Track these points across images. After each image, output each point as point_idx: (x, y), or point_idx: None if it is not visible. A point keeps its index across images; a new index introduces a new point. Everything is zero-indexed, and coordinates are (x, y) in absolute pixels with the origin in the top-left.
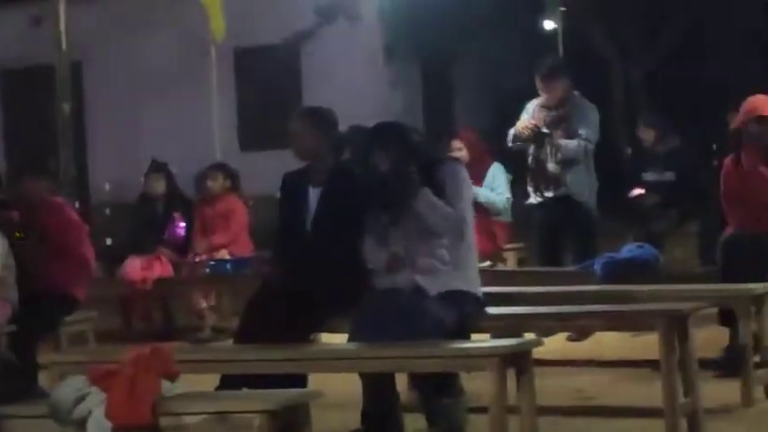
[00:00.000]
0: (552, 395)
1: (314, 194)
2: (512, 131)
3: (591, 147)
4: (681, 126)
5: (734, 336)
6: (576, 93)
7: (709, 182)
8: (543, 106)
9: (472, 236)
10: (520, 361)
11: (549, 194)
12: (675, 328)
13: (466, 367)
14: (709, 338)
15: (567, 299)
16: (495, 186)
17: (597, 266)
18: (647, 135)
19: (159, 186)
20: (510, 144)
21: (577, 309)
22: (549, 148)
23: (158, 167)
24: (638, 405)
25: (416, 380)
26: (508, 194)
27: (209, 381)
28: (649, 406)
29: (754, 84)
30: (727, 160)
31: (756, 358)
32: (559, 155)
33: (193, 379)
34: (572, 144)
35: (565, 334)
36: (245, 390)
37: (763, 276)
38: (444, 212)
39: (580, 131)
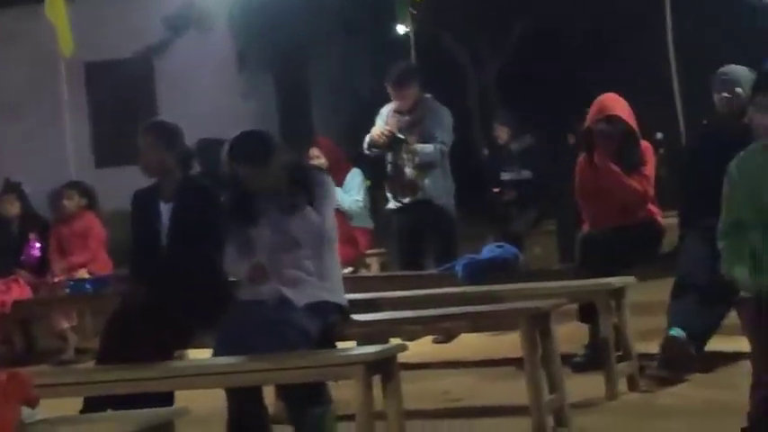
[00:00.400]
0: (420, 399)
1: (165, 210)
2: (368, 138)
3: (446, 149)
4: (534, 124)
5: (594, 331)
6: (428, 96)
7: (564, 179)
8: (396, 111)
9: (336, 244)
10: (385, 367)
11: (407, 200)
12: (537, 325)
13: (332, 376)
14: (569, 334)
15: (431, 302)
16: (348, 190)
17: (459, 268)
18: (501, 133)
19: (13, 208)
20: (366, 151)
21: (442, 311)
22: (405, 154)
23: (11, 188)
24: (504, 404)
25: (284, 391)
26: (359, 198)
27: (73, 404)
28: (516, 404)
29: (604, 82)
30: (581, 158)
31: (618, 351)
32: (417, 159)
33: (55, 403)
34: (428, 148)
35: (431, 336)
36: (109, 411)
37: (620, 270)
38: (311, 222)
39: (436, 135)
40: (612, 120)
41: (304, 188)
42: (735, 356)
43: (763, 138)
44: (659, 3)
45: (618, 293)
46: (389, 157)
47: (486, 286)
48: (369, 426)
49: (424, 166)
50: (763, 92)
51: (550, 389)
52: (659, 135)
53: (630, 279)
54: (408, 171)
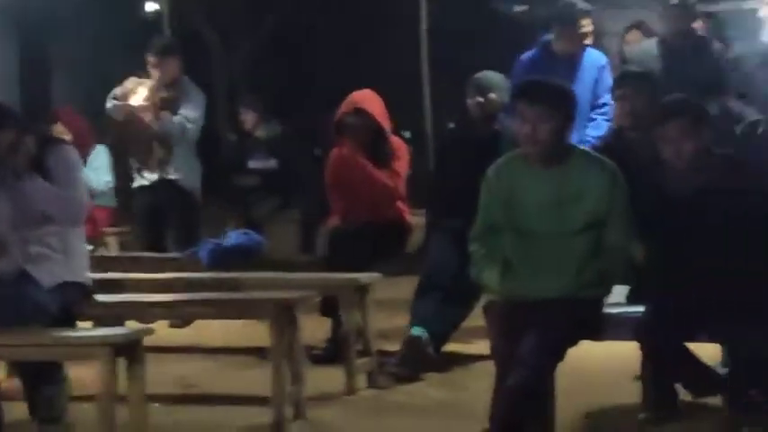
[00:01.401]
0: (155, 383)
1: None
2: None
3: (192, 128)
4: (283, 113)
5: (336, 325)
6: (185, 77)
7: (310, 170)
8: (151, 87)
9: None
10: (131, 350)
11: (153, 177)
12: (284, 316)
13: (76, 356)
14: (310, 327)
15: (174, 286)
16: (96, 168)
17: (203, 253)
18: (247, 117)
19: None
20: (109, 104)
21: (189, 297)
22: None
23: None
24: (242, 393)
25: (17, 367)
26: (108, 177)
27: None
28: (254, 394)
29: (357, 77)
30: (333, 151)
31: (359, 347)
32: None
33: None
34: (167, 118)
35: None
36: None
37: (366, 266)
38: (58, 197)
39: (181, 111)
40: (361, 114)
41: (48, 161)
42: (472, 358)
43: (522, 145)
44: (415, 4)
45: (363, 289)
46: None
47: (231, 273)
48: (110, 408)
49: (169, 145)
50: (522, 100)
51: (292, 380)
52: (407, 134)
53: (376, 275)
54: (156, 149)
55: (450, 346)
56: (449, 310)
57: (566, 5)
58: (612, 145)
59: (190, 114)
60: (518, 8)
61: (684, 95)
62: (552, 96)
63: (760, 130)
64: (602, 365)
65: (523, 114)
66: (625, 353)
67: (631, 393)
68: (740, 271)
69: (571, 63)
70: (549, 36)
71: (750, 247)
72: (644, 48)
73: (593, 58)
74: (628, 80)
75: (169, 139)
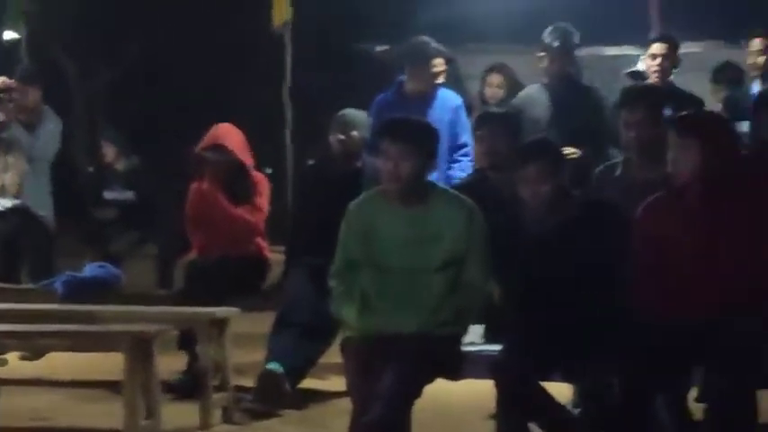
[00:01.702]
0: (6, 416)
1: None
2: None
3: (46, 156)
4: (143, 146)
5: (192, 359)
6: (45, 106)
7: (170, 204)
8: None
9: None
10: None
11: (6, 205)
12: (140, 349)
13: None
14: (166, 361)
15: (28, 317)
16: None
17: (58, 285)
18: (107, 151)
19: None
20: None
21: (43, 328)
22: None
23: None
24: (96, 426)
25: None
26: None
27: None
28: (108, 427)
29: (219, 112)
30: (192, 186)
31: (216, 381)
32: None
33: None
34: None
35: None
36: None
37: (223, 301)
38: None
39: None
40: (220, 149)
41: None
42: (329, 395)
43: (384, 182)
44: (280, 44)
45: (220, 323)
46: None
47: (86, 306)
48: None
49: (24, 173)
50: (386, 138)
51: (146, 414)
52: (269, 170)
53: (234, 310)
54: (6, 177)
55: (308, 383)
56: (306, 345)
57: (417, 45)
58: (473, 184)
59: (47, 141)
60: (379, 48)
61: (544, 137)
62: (415, 134)
63: (617, 172)
64: (459, 403)
65: (386, 152)
66: (482, 391)
67: (486, 431)
68: (591, 313)
69: (423, 103)
70: (403, 76)
71: (601, 290)
72: (528, 92)
73: (447, 97)
74: (487, 121)
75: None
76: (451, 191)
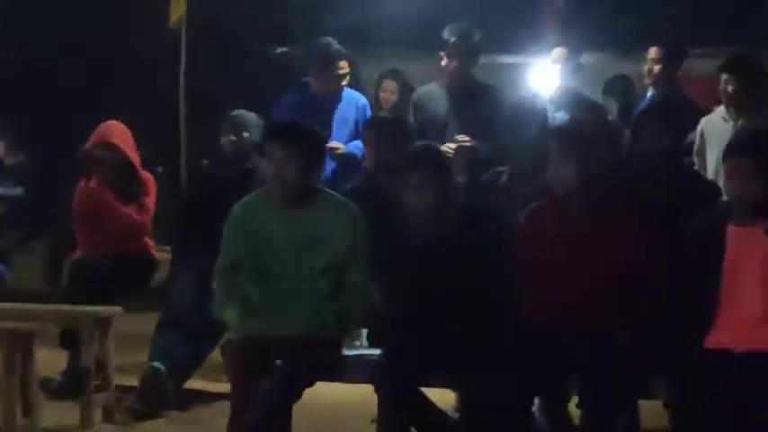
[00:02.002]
0: None
1: None
2: None
3: None
4: (33, 142)
5: (74, 357)
6: None
7: (58, 202)
8: None
9: None
10: None
11: None
12: (20, 346)
13: None
14: (46, 359)
15: None
16: None
17: None
18: None
19: None
20: None
21: None
22: None
23: None
24: None
25: None
26: None
27: None
28: None
29: (110, 109)
30: (80, 183)
31: (98, 381)
32: None
33: None
34: None
35: None
36: None
37: (108, 299)
38: None
39: None
40: (109, 147)
41: None
42: (214, 396)
43: (269, 184)
44: (176, 43)
45: (104, 322)
46: None
47: None
48: None
49: None
50: (272, 140)
51: (24, 413)
52: (160, 169)
53: (117, 309)
54: None
55: (193, 383)
56: (191, 345)
57: (322, 46)
58: (361, 187)
59: None
60: (279, 50)
61: (430, 144)
62: (300, 138)
63: (503, 179)
64: (343, 406)
65: (271, 154)
66: (366, 394)
67: None
68: (470, 319)
69: (328, 103)
70: (308, 78)
71: (479, 296)
72: (427, 89)
73: (352, 97)
74: (375, 125)
75: None
76: (336, 195)
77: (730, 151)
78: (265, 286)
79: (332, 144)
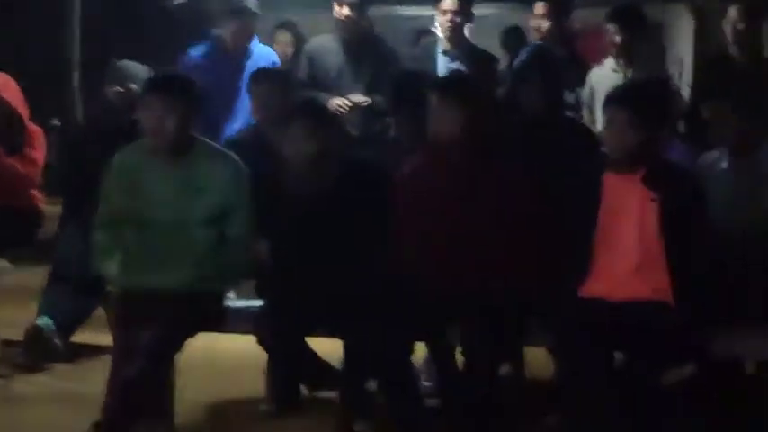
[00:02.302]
0: None
1: None
2: None
3: None
4: None
5: None
6: None
7: None
8: None
9: None
10: None
11: None
12: None
13: None
14: None
15: None
16: None
17: None
18: None
19: None
20: None
21: None
22: None
23: None
24: None
25: None
26: None
27: None
28: None
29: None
30: None
31: None
32: None
33: None
34: None
35: None
36: None
37: None
38: None
39: None
40: None
41: None
42: (101, 349)
43: (148, 136)
44: None
45: None
46: None
47: None
48: None
49: None
50: (149, 92)
51: None
52: (55, 121)
53: (4, 263)
54: None
55: (79, 337)
56: (77, 299)
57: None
58: (244, 139)
59: None
60: (176, 1)
61: (313, 96)
62: (178, 89)
63: (391, 132)
64: (231, 358)
65: (150, 105)
66: (255, 346)
67: (259, 387)
68: (348, 270)
69: (241, 57)
70: (219, 31)
71: (357, 248)
72: (321, 41)
73: (264, 53)
74: (260, 77)
75: None
76: (216, 146)
77: (609, 102)
78: (145, 238)
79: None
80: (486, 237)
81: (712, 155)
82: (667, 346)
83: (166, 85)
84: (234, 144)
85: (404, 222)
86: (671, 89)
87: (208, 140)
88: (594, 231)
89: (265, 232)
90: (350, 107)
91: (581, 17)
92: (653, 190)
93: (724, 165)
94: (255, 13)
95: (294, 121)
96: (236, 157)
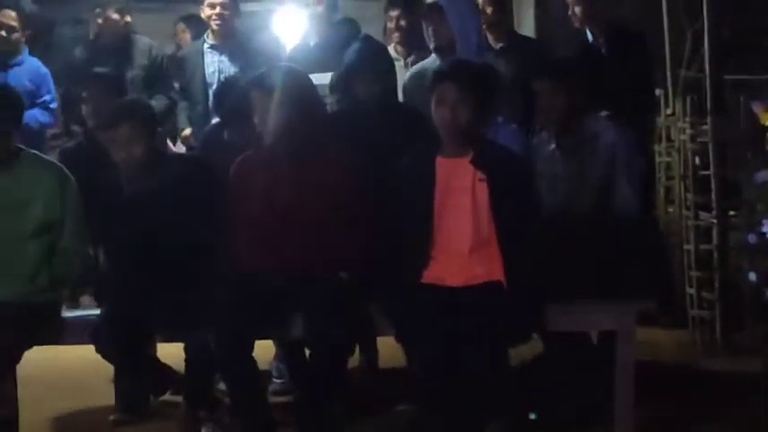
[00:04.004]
0: None
1: None
2: None
3: None
4: None
5: None
6: None
7: None
8: None
9: None
10: None
11: None
12: None
13: None
14: None
15: None
16: None
17: None
18: None
19: None
20: None
21: None
22: None
23: None
24: None
25: None
26: None
27: None
28: None
29: None
30: None
31: None
32: None
33: None
34: None
35: None
36: None
37: None
38: None
39: None
40: None
41: None
42: None
43: None
44: None
45: None
46: None
47: None
48: None
49: None
50: None
51: None
52: None
53: None
54: None
55: None
56: None
57: None
58: (79, 145)
59: None
60: None
61: (138, 97)
62: None
63: (225, 134)
64: (77, 369)
65: None
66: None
67: (109, 396)
68: (184, 271)
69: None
70: None
71: (191, 248)
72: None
73: (34, 64)
74: (92, 81)
75: None
76: (41, 155)
77: (439, 78)
78: None
79: None
80: (315, 223)
81: (542, 137)
82: (504, 326)
83: None
84: (68, 152)
85: (235, 216)
86: (492, 69)
87: (33, 151)
88: (431, 216)
89: (101, 238)
90: None
91: None
92: (481, 170)
93: (552, 146)
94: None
95: (117, 122)
96: (60, 167)
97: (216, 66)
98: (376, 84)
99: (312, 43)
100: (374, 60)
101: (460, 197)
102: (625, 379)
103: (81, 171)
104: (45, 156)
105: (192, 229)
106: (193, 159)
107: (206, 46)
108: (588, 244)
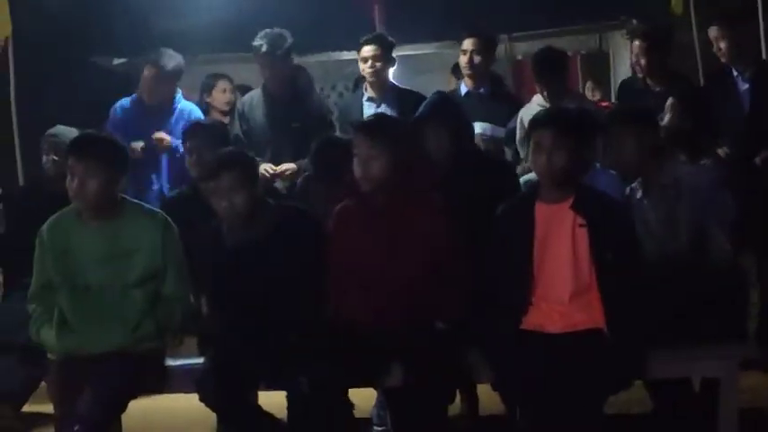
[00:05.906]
0: None
1: None
2: None
3: None
4: None
5: None
6: None
7: None
8: None
9: None
10: None
11: None
12: None
13: None
14: None
15: None
16: None
17: None
18: None
19: None
20: None
21: None
22: None
23: None
24: None
25: None
26: None
27: None
28: None
29: None
30: None
31: None
32: None
33: None
34: None
35: None
36: None
37: None
38: None
39: None
40: None
41: None
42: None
43: (72, 200)
44: (3, 61)
45: None
46: None
47: None
48: None
49: None
50: (71, 155)
51: None
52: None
53: None
54: None
55: (31, 407)
56: (24, 370)
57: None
58: (185, 195)
59: None
60: (116, 61)
61: (237, 149)
62: (100, 151)
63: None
64: (181, 417)
65: (72, 170)
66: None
67: None
68: (288, 320)
69: (161, 116)
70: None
71: (294, 297)
72: (251, 95)
73: (188, 109)
74: (195, 132)
75: None
76: (144, 205)
77: (535, 125)
78: (80, 303)
79: (158, 135)
80: (414, 272)
81: (633, 185)
82: (606, 374)
83: (85, 149)
84: (171, 202)
85: (335, 270)
86: (592, 115)
87: (136, 201)
88: (531, 262)
89: (205, 288)
90: (276, 174)
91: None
92: (581, 216)
93: (639, 194)
94: (168, 67)
95: (219, 172)
96: (164, 216)
97: None
98: (450, 140)
99: (464, 92)
100: (446, 118)
101: (560, 243)
102: (730, 428)
103: (184, 220)
104: (146, 205)
105: (294, 277)
106: (295, 209)
107: (364, 99)
108: (684, 289)
